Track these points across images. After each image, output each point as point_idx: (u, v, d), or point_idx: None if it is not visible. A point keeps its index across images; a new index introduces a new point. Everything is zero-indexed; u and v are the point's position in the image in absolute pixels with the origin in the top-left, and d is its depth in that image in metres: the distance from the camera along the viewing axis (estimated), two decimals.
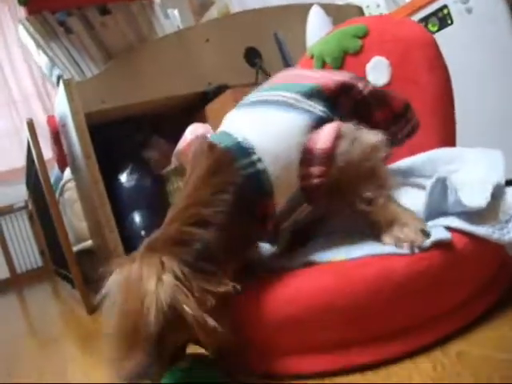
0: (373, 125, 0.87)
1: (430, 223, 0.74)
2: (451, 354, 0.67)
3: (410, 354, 0.69)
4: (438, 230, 0.71)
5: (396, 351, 0.70)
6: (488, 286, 0.77)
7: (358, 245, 0.76)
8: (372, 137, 0.79)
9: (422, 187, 0.95)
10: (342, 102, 0.88)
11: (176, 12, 1.97)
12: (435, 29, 1.72)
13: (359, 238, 0.79)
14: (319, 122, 0.81)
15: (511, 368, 0.59)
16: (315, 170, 0.76)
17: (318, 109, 0.83)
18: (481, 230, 0.72)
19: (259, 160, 0.75)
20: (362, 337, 0.71)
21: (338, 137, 0.77)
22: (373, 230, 0.77)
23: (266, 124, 0.81)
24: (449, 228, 0.72)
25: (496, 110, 1.64)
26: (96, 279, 1.95)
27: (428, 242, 0.69)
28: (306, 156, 0.77)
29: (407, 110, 0.96)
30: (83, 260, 2.15)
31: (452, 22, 1.70)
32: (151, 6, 1.73)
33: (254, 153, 0.76)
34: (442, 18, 1.72)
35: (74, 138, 1.50)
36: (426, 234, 0.71)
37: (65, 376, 1.14)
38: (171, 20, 1.83)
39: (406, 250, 0.70)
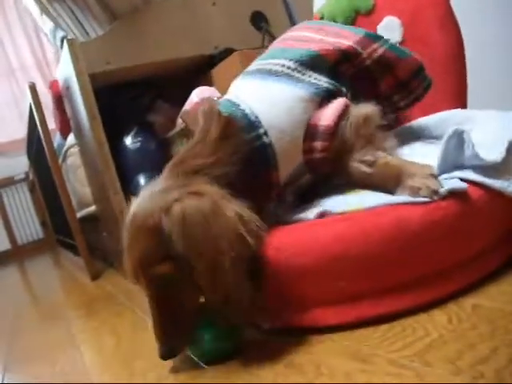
0: (375, 93, 0.88)
1: (445, 175, 0.73)
2: (466, 306, 0.67)
3: (425, 307, 0.69)
4: (454, 181, 0.70)
5: (410, 303, 0.69)
6: (502, 240, 0.77)
7: (372, 194, 0.76)
8: (364, 109, 0.82)
9: (434, 144, 0.94)
10: (343, 70, 0.90)
11: None
12: None
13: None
14: (325, 96, 0.83)
15: None
16: (318, 144, 0.79)
17: (324, 80, 0.84)
18: (496, 183, 0.71)
19: (265, 134, 0.77)
20: (376, 288, 0.71)
21: (343, 114, 0.80)
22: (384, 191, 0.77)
23: (272, 97, 0.82)
24: (464, 180, 0.71)
25: (507, 76, 1.62)
26: (99, 246, 1.95)
27: (444, 191, 0.68)
28: (310, 131, 0.79)
29: (418, 73, 0.96)
30: (87, 227, 2.14)
31: None
32: None
33: (261, 126, 0.77)
34: None
35: (79, 100, 1.48)
36: (436, 178, 0.70)
37: (73, 344, 1.14)
38: None
39: (422, 197, 0.69)
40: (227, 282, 0.67)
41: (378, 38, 0.95)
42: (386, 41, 0.95)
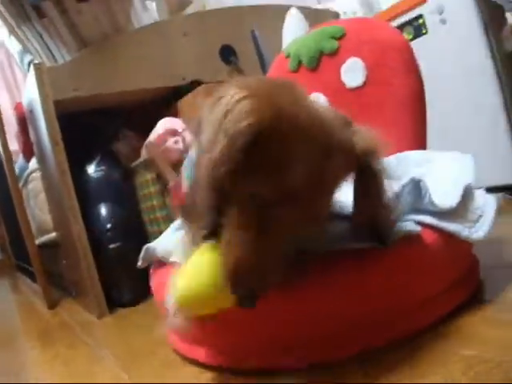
0: None
1: (402, 218, 0.75)
2: (419, 352, 0.66)
3: (376, 353, 0.69)
4: (408, 224, 0.72)
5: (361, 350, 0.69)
6: (455, 285, 0.78)
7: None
8: None
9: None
10: None
11: (154, 5, 1.95)
12: (410, 37, 1.75)
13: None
14: None
15: (478, 364, 0.59)
16: None
17: None
18: (451, 227, 0.73)
19: None
20: (327, 335, 0.70)
21: None
22: None
23: None
24: (419, 223, 0.73)
25: (463, 122, 1.67)
26: (58, 273, 1.91)
27: (399, 233, 0.69)
28: None
29: None
30: (46, 254, 2.10)
31: (427, 32, 1.73)
32: None
33: None
34: (417, 27, 1.74)
35: (42, 125, 1.46)
36: None
37: (26, 376, 1.11)
38: (149, 12, 1.81)
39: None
40: None
41: None
42: None
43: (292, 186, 0.56)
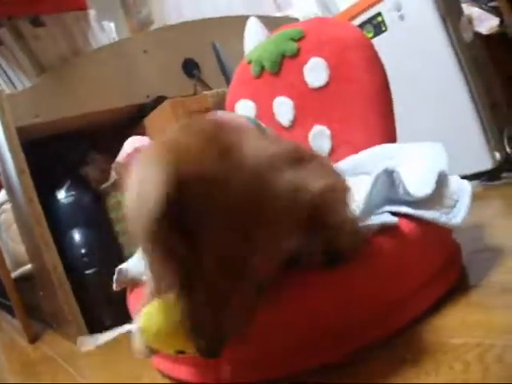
0: None
1: (377, 210, 0.73)
2: (409, 344, 0.65)
3: (368, 348, 0.67)
4: (384, 216, 0.70)
5: (354, 347, 0.67)
6: (439, 273, 0.77)
7: None
8: None
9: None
10: None
11: (112, 25, 1.93)
12: (370, 35, 1.76)
13: None
14: None
15: (468, 352, 0.57)
16: None
17: None
18: (428, 214, 0.72)
19: None
20: (316, 335, 0.68)
21: None
22: None
23: None
24: (396, 214, 0.71)
25: (432, 115, 1.67)
26: (36, 306, 1.85)
27: (374, 225, 0.68)
28: None
29: None
30: (23, 287, 2.04)
31: (386, 29, 1.74)
32: (86, 18, 1.68)
33: None
34: (377, 25, 1.75)
35: (6, 154, 1.43)
36: None
37: None
38: (107, 33, 1.79)
39: None
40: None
41: None
42: None
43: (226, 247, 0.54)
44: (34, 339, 1.80)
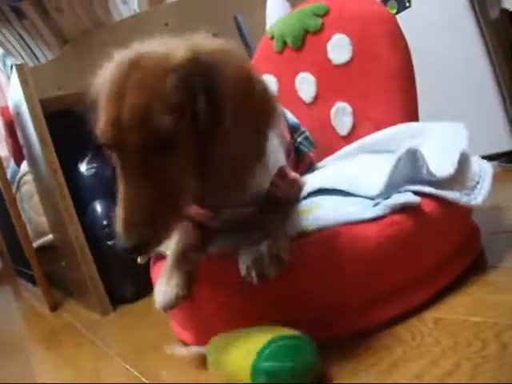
0: None
1: (400, 189, 0.74)
2: (428, 321, 0.67)
3: (388, 324, 0.69)
4: (407, 195, 0.71)
5: (372, 322, 0.69)
6: (459, 250, 0.78)
7: (324, 211, 0.75)
8: None
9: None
10: None
11: None
12: (394, 11, 1.73)
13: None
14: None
15: (486, 330, 0.59)
16: (284, 185, 0.80)
17: None
18: (449, 194, 0.72)
19: None
20: (336, 309, 0.70)
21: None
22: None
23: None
24: (417, 193, 0.72)
25: (456, 91, 1.66)
26: (58, 275, 1.89)
27: (396, 204, 0.68)
28: (281, 172, 0.80)
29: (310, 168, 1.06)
30: (44, 256, 2.08)
31: (410, 5, 1.71)
32: None
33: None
34: (401, 1, 1.73)
35: (30, 126, 1.44)
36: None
37: (32, 378, 1.10)
38: (129, 5, 1.79)
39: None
40: (247, 156, 0.64)
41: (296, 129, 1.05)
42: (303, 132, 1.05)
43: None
44: (54, 307, 1.85)
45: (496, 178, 0.82)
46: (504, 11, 1.69)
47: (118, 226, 0.59)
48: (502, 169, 1.54)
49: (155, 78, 0.60)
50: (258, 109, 0.65)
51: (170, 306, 0.74)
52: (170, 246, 0.85)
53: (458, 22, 1.61)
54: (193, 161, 0.62)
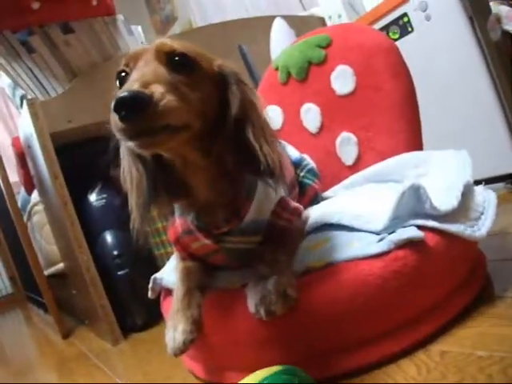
0: None
1: (404, 224, 0.75)
2: (434, 354, 0.67)
3: (394, 358, 0.69)
4: (410, 229, 0.72)
5: (378, 356, 0.70)
6: (463, 284, 0.78)
7: (330, 248, 0.76)
8: None
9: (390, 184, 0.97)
10: None
11: (139, 28, 1.97)
12: (396, 37, 1.76)
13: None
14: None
15: (492, 365, 0.59)
16: (285, 214, 0.83)
17: None
18: (453, 228, 0.73)
19: None
20: (342, 345, 0.71)
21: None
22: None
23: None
24: (421, 227, 0.73)
25: (460, 113, 1.67)
26: (69, 303, 1.90)
27: (401, 240, 0.70)
28: (282, 202, 0.83)
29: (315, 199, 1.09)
30: (55, 284, 2.10)
31: (412, 30, 1.73)
32: (114, 24, 1.72)
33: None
34: (403, 26, 1.75)
35: (40, 159, 1.47)
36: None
37: None
38: (135, 36, 1.83)
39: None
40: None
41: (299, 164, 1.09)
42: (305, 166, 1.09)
43: None
44: (66, 335, 1.86)
45: (502, 200, 0.83)
46: (505, 33, 1.71)
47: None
48: (507, 191, 1.55)
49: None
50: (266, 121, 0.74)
51: (179, 352, 0.75)
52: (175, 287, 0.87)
53: (460, 45, 1.63)
54: (205, 106, 0.69)
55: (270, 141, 0.72)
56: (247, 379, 0.65)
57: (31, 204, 2.06)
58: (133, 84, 0.60)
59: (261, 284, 0.71)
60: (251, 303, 0.70)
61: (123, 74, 0.70)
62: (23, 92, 1.76)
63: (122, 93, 0.58)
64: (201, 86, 0.69)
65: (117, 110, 0.58)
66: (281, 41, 1.55)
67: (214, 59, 0.74)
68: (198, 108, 0.68)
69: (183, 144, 0.69)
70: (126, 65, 0.69)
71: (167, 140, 0.64)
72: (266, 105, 0.77)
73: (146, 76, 0.62)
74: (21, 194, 2.47)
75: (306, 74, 1.25)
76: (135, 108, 0.58)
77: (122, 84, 0.69)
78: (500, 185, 1.57)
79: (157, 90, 0.60)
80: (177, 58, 0.68)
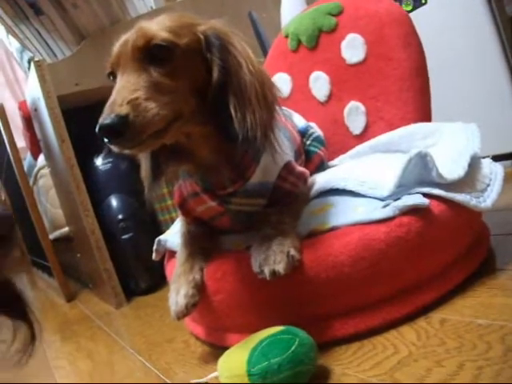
0: None
1: (409, 191, 0.74)
2: (434, 321, 0.68)
3: (394, 324, 0.70)
4: (416, 197, 0.72)
5: (379, 321, 0.70)
6: (467, 253, 0.79)
7: (334, 212, 0.77)
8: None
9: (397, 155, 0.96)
10: None
11: None
12: (409, 8, 1.73)
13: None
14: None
15: (491, 333, 0.60)
16: (291, 178, 0.83)
17: None
18: (458, 197, 0.73)
19: None
20: (345, 308, 0.72)
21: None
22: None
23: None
24: (426, 195, 0.73)
25: (470, 89, 1.65)
26: (73, 266, 1.91)
27: (405, 206, 0.70)
28: (288, 166, 0.83)
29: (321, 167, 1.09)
30: (60, 248, 2.12)
31: (426, 2, 1.71)
32: None
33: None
34: None
35: (47, 122, 1.47)
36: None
37: (48, 371, 1.13)
38: (145, 1, 1.80)
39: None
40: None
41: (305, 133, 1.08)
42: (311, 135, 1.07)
43: None
44: (70, 298, 1.89)
45: (509, 177, 0.82)
46: None
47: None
48: None
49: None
50: (264, 81, 0.72)
51: (182, 315, 0.76)
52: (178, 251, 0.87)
53: (474, 19, 1.60)
54: (193, 84, 0.69)
55: (263, 105, 0.70)
56: (248, 340, 0.66)
57: (37, 168, 2.06)
58: (111, 108, 0.62)
59: (265, 244, 0.71)
60: (255, 263, 0.70)
61: (111, 76, 0.72)
62: (31, 55, 1.75)
63: (102, 119, 0.61)
64: (185, 68, 0.69)
65: (100, 136, 0.62)
66: (291, 8, 1.53)
67: (198, 25, 0.72)
68: (185, 93, 0.68)
69: (180, 128, 0.70)
70: (112, 68, 0.71)
71: (159, 140, 0.67)
72: (261, 65, 0.76)
73: (123, 91, 0.64)
74: (27, 159, 2.47)
75: (316, 41, 1.23)
76: (115, 134, 0.61)
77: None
78: (507, 162, 1.56)
79: (134, 104, 0.62)
80: (154, 51, 0.67)
